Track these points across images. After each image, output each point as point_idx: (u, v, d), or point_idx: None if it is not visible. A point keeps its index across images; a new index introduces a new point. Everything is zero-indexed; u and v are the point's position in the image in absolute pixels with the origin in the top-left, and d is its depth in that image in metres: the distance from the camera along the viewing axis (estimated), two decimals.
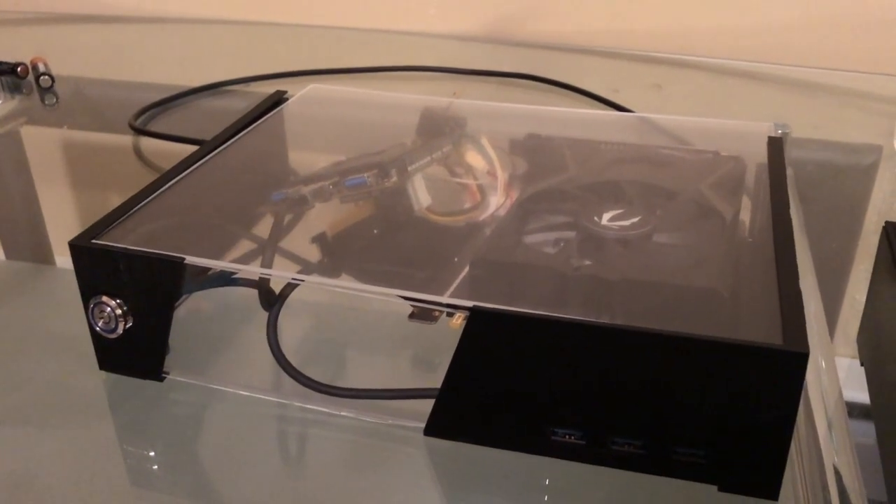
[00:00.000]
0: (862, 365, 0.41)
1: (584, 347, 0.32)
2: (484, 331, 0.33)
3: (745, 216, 0.44)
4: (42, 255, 0.56)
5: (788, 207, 0.40)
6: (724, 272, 0.37)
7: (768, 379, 0.30)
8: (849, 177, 0.66)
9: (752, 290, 0.36)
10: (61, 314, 0.46)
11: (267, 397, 0.39)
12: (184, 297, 0.41)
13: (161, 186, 0.43)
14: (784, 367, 0.30)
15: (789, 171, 0.59)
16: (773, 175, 0.44)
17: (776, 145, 0.48)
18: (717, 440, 0.32)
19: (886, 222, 0.40)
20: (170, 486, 0.36)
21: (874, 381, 0.39)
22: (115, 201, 0.42)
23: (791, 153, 0.61)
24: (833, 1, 0.83)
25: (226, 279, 0.41)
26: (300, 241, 0.43)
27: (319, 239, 0.43)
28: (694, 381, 0.31)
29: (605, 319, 0.32)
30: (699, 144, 0.52)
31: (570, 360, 0.32)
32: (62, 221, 0.60)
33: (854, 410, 0.39)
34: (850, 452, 0.37)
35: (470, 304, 0.33)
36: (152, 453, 0.38)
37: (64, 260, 0.41)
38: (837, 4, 0.83)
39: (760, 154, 0.48)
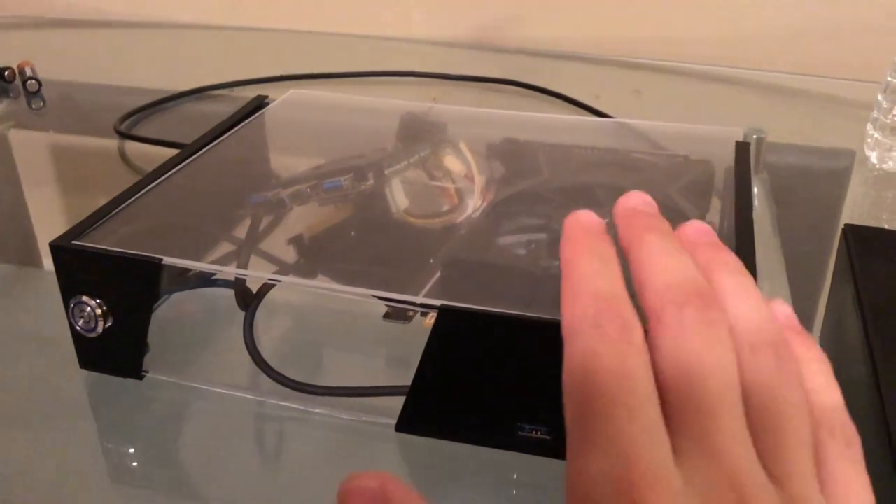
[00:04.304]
0: None
1: (550, 345, 0.33)
2: (452, 329, 0.34)
3: (713, 218, 0.45)
4: (29, 257, 0.57)
5: (752, 210, 0.41)
6: None
7: None
8: (823, 181, 0.67)
9: None
10: (47, 315, 0.46)
11: (244, 395, 0.40)
12: (163, 297, 0.41)
13: (142, 189, 0.44)
14: None
15: (765, 175, 0.61)
16: (738, 178, 0.45)
17: (743, 150, 0.49)
18: None
19: (845, 224, 0.41)
20: (150, 483, 0.37)
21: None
22: (101, 204, 0.42)
23: (767, 157, 0.63)
24: (809, 10, 0.84)
25: (204, 280, 0.42)
26: (278, 242, 0.44)
27: (296, 240, 0.44)
28: None
29: None
30: (673, 148, 0.53)
31: (537, 357, 0.33)
32: (49, 224, 0.60)
33: None
34: None
35: (438, 303, 0.34)
36: (132, 450, 0.38)
37: (50, 262, 0.41)
38: (813, 13, 0.84)
39: (730, 158, 0.49)
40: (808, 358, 0.24)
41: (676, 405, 0.21)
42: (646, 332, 0.23)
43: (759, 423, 0.22)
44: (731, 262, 0.25)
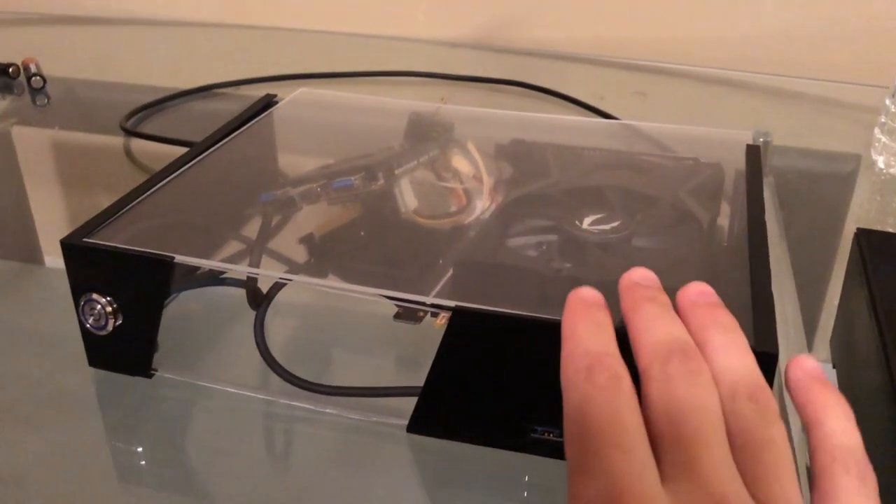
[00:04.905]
0: (834, 367, 0.42)
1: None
2: (466, 330, 0.34)
3: (724, 221, 0.45)
4: (32, 255, 0.57)
5: (764, 213, 0.41)
6: (698, 275, 0.38)
7: None
8: (829, 185, 0.67)
9: (727, 293, 0.37)
10: (50, 313, 0.46)
11: (254, 394, 0.40)
12: (173, 295, 0.41)
13: (152, 187, 0.44)
14: None
15: (771, 179, 0.61)
16: (749, 182, 0.45)
17: (754, 153, 0.49)
18: None
19: (858, 228, 0.41)
20: (158, 482, 0.37)
21: (844, 383, 0.40)
22: (106, 202, 0.42)
23: (773, 161, 0.63)
24: (814, 13, 0.84)
25: (214, 278, 0.42)
26: (288, 241, 0.44)
27: (307, 240, 0.44)
28: None
29: None
30: (680, 151, 0.53)
31: (550, 359, 0.33)
32: (52, 222, 0.60)
33: None
34: None
35: (452, 304, 0.34)
36: (140, 449, 0.38)
37: (53, 260, 0.41)
38: (818, 16, 0.84)
39: (739, 161, 0.49)
40: (831, 404, 0.27)
41: (664, 439, 0.24)
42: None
43: (743, 455, 0.24)
44: (724, 320, 0.29)
